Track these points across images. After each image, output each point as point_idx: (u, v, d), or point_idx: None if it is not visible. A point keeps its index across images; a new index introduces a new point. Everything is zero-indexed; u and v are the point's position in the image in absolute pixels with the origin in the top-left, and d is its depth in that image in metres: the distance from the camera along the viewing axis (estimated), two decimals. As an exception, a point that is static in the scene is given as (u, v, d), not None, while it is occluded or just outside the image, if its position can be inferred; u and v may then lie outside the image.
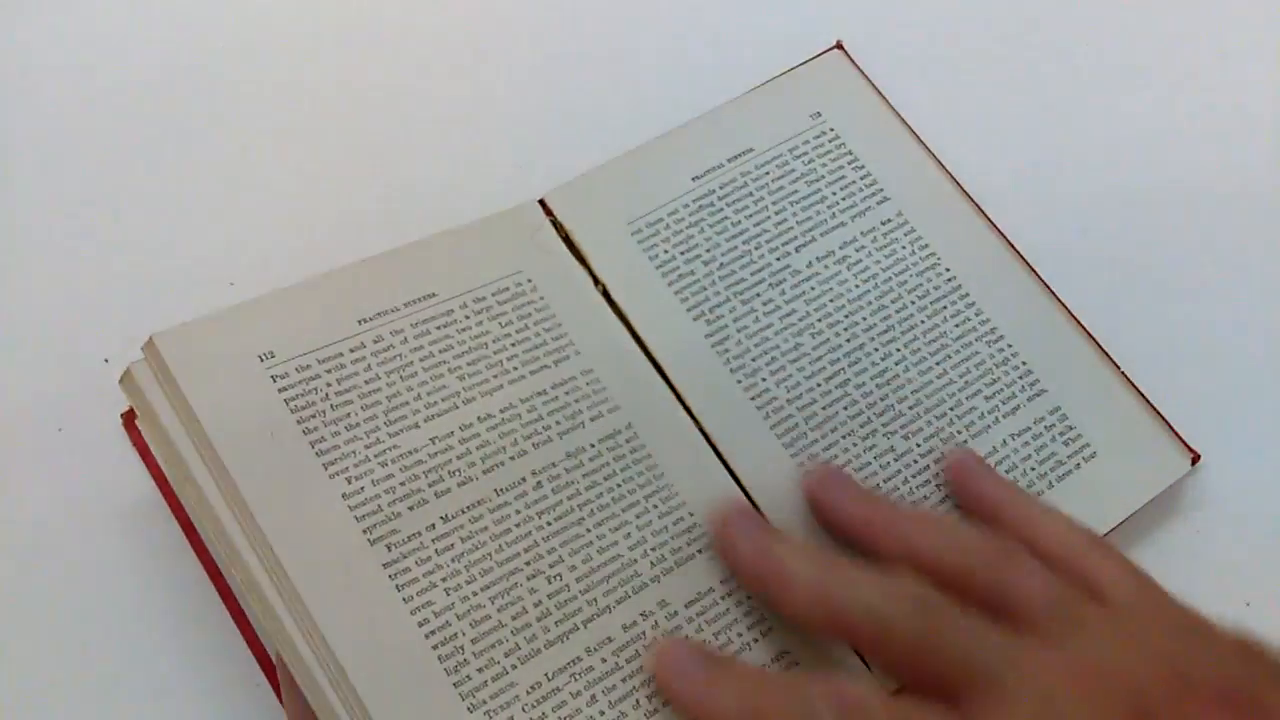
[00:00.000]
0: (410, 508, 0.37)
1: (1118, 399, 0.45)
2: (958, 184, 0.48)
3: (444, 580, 0.36)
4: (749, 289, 0.45)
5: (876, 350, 0.44)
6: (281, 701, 0.38)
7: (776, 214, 0.46)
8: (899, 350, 0.45)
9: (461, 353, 0.40)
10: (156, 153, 0.49)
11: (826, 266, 0.46)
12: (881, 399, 0.43)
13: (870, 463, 0.42)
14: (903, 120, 0.49)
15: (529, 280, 0.42)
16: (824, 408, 0.43)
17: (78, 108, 0.49)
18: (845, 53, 0.50)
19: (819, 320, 0.45)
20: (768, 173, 0.47)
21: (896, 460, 0.43)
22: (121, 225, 0.47)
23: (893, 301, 0.45)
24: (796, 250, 0.46)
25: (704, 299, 0.44)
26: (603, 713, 0.35)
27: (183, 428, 0.36)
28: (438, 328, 0.40)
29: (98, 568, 0.41)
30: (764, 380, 0.43)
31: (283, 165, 0.49)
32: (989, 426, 0.44)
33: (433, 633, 0.35)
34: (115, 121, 0.49)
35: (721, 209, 0.46)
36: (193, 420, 0.36)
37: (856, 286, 0.45)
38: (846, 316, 0.45)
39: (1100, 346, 0.46)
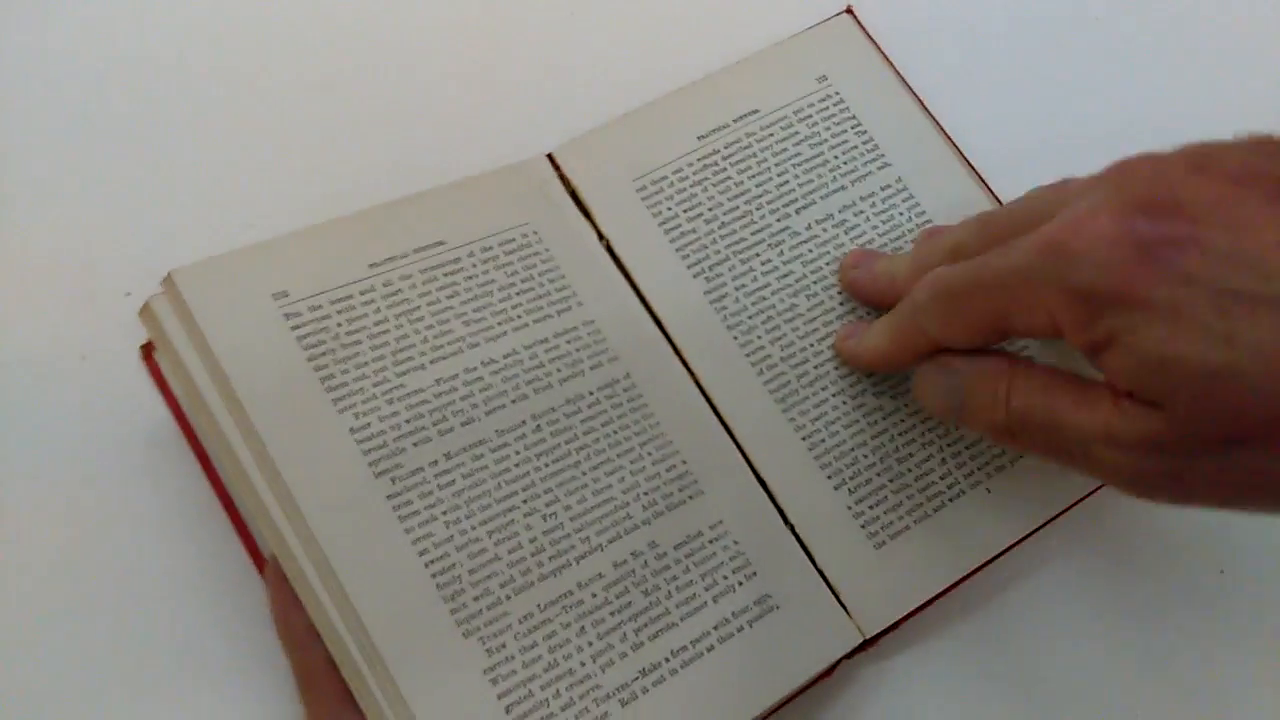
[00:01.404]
0: (414, 444, 0.38)
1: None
2: (960, 153, 0.49)
3: (444, 514, 0.38)
4: (748, 248, 0.46)
5: (870, 314, 0.45)
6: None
7: (778, 175, 0.47)
8: (892, 313, 0.46)
9: (468, 299, 0.41)
10: (181, 97, 0.50)
11: (825, 230, 0.47)
12: (873, 359, 0.45)
13: (858, 420, 0.44)
14: (909, 88, 0.50)
15: (535, 232, 0.44)
16: (815, 366, 0.44)
17: (106, 52, 0.50)
18: (855, 18, 0.51)
19: (815, 282, 0.46)
20: (771, 134, 0.48)
21: (885, 418, 0.44)
22: (145, 166, 0.48)
23: (887, 265, 0.47)
24: (796, 212, 0.47)
25: (704, 256, 0.45)
26: (590, 643, 0.37)
27: (199, 360, 0.38)
28: (445, 274, 0.42)
29: (116, 489, 0.42)
30: (759, 337, 0.44)
31: (301, 114, 0.50)
32: (976, 390, 0.45)
33: (432, 562, 0.37)
34: (142, 66, 0.50)
35: (725, 169, 0.47)
36: (208, 354, 0.37)
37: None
38: (842, 278, 0.46)
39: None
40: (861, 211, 0.47)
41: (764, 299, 0.45)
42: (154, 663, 0.40)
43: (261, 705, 0.40)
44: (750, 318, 0.45)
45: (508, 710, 0.36)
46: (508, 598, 0.37)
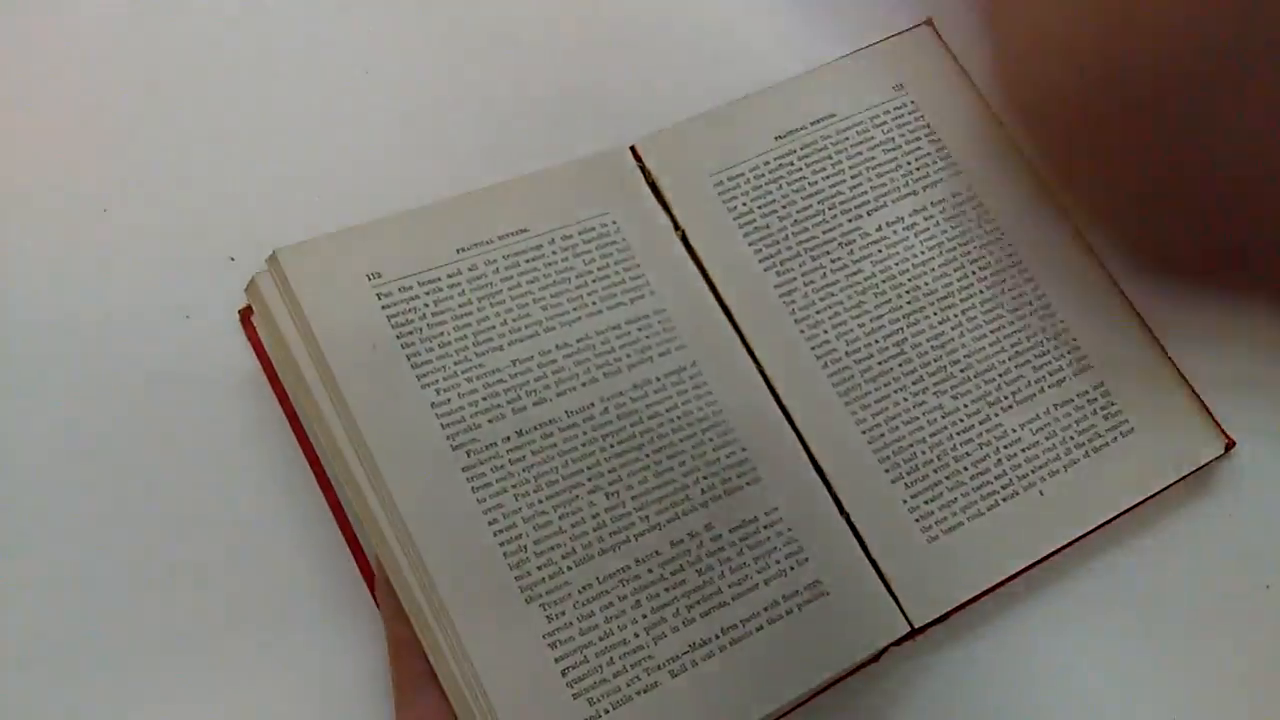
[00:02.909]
0: (489, 420, 0.41)
1: (1161, 381, 0.47)
2: (1032, 165, 0.50)
3: (514, 486, 0.40)
4: (819, 246, 0.47)
5: (935, 314, 0.47)
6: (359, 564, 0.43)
7: (852, 178, 0.49)
8: (956, 316, 0.47)
9: (546, 285, 0.44)
10: (288, 73, 0.52)
11: (895, 231, 0.48)
12: (935, 359, 0.46)
13: (918, 417, 0.45)
14: (984, 100, 0.51)
15: (614, 222, 0.46)
16: (880, 362, 0.46)
17: (223, 25, 0.53)
18: (934, 30, 0.52)
19: (883, 281, 0.47)
20: (847, 138, 0.49)
21: (944, 417, 0.45)
22: (254, 139, 0.51)
23: (954, 270, 0.48)
24: (868, 214, 0.48)
25: (776, 252, 0.47)
26: (645, 615, 0.40)
27: (297, 334, 0.41)
28: (527, 260, 0.44)
29: (212, 437, 0.45)
30: (826, 332, 0.46)
31: (397, 98, 0.52)
32: (1034, 395, 0.46)
33: (500, 530, 0.39)
34: (252, 39, 0.53)
35: (800, 169, 0.49)
36: (306, 328, 0.40)
37: (922, 253, 0.48)
38: (909, 280, 0.47)
39: (1150, 331, 0.48)
40: (931, 216, 0.49)
41: (832, 295, 0.47)
42: (231, 596, 0.43)
43: (326, 635, 0.43)
44: (818, 312, 0.46)
45: (564, 673, 0.38)
46: (569, 568, 0.39)
